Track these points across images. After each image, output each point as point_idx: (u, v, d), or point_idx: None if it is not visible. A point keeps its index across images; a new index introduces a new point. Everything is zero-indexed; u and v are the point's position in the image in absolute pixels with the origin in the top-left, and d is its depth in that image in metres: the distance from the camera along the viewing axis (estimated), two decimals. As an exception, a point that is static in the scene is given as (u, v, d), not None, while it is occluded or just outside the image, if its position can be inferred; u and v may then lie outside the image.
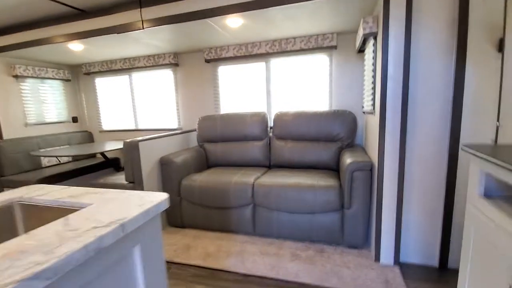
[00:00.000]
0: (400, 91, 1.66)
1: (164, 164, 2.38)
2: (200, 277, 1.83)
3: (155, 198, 0.85)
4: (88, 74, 3.54)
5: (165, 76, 3.32)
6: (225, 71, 3.10)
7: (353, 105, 2.70)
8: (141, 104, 3.48)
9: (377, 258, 1.86)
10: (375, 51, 1.90)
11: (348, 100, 2.70)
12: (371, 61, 1.98)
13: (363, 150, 2.33)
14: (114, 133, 3.66)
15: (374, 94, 1.93)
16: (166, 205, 0.87)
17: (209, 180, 2.29)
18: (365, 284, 1.65)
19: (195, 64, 3.19)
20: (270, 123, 2.95)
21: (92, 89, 3.67)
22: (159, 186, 2.42)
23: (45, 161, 3.13)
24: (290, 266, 1.87)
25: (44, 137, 3.19)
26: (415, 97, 1.70)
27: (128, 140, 2.23)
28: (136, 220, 0.74)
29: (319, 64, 2.76)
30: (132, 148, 2.21)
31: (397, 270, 1.78)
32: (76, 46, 2.64)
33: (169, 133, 2.61)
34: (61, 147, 3.31)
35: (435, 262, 1.84)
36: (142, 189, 2.23)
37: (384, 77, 1.67)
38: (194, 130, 3.01)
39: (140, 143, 2.21)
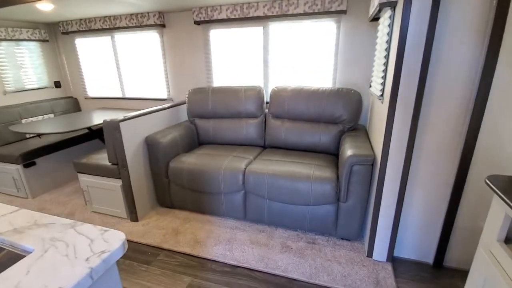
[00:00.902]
0: (416, 79, 1.39)
1: (150, 144, 2.22)
2: (188, 267, 1.79)
3: (108, 247, 0.70)
4: (66, 33, 3.16)
5: (151, 39, 2.96)
6: (217, 36, 2.74)
7: (360, 81, 2.42)
8: (127, 70, 3.18)
9: (370, 253, 1.80)
10: (391, 25, 1.58)
11: (355, 76, 2.41)
12: (385, 36, 1.67)
13: (366, 135, 2.13)
14: (100, 101, 3.42)
15: (385, 78, 1.67)
16: (123, 251, 0.72)
17: (198, 164, 2.15)
18: (355, 283, 1.61)
19: (184, 26, 2.81)
20: (267, 98, 2.70)
21: (73, 51, 3.33)
22: (145, 168, 2.29)
23: (28, 131, 2.96)
24: (280, 258, 1.82)
25: (24, 105, 2.97)
26: (432, 87, 1.45)
27: (108, 119, 2.02)
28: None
29: (324, 32, 2.40)
30: (112, 129, 2.02)
31: (389, 268, 1.73)
32: (44, 6, 2.28)
33: (155, 108, 2.39)
34: (44, 116, 3.12)
35: (429, 259, 1.78)
36: (127, 172, 2.10)
37: (399, 59, 1.39)
38: (184, 103, 2.77)
39: (121, 124, 2.01)
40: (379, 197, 1.66)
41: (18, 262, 0.65)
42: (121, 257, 1.89)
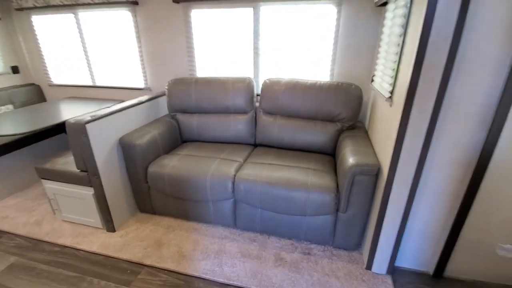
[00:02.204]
0: (438, 80, 1.17)
1: (125, 147, 1.94)
2: (173, 287, 1.62)
3: None
4: (21, 9, 2.69)
5: (122, 19, 2.57)
6: (200, 17, 2.39)
7: (361, 75, 2.19)
8: (96, 54, 2.78)
9: (369, 266, 1.68)
10: (408, 13, 1.34)
11: (355, 69, 2.18)
12: (398, 28, 1.44)
13: (366, 136, 1.95)
14: (68, 89, 3.02)
15: (395, 77, 1.46)
16: None
17: (181, 169, 1.91)
18: (355, 302, 1.50)
19: (160, 3, 2.42)
20: (257, 90, 2.44)
21: (30, 31, 2.86)
22: (121, 172, 2.02)
23: (-17, 126, 2.57)
24: (274, 273, 1.67)
25: (-26, 96, 2.56)
26: (453, 91, 1.25)
27: (71, 121, 1.72)
28: None
29: (323, 17, 2.13)
30: (78, 132, 1.72)
31: (389, 281, 1.62)
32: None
33: (131, 103, 2.08)
34: (1, 108, 2.71)
35: (430, 269, 1.69)
36: (99, 179, 1.84)
37: (420, 55, 1.16)
38: (163, 95, 2.47)
39: (88, 126, 1.71)
40: (383, 210, 1.51)
41: None
42: (96, 277, 1.69)
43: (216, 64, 2.50)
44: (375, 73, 1.97)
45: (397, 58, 1.43)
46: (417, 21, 1.19)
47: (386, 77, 1.60)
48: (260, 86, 2.33)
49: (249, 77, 2.25)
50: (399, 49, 1.41)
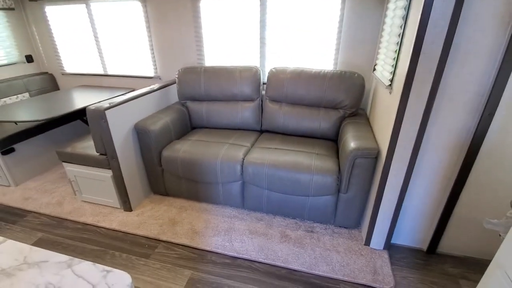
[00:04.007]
0: (433, 69, 1.27)
1: (140, 132, 2.07)
2: (187, 259, 1.78)
3: (113, 295, 0.63)
4: (34, 0, 2.77)
5: (133, 10, 2.65)
6: (208, 8, 2.47)
7: (363, 64, 2.28)
8: (107, 44, 2.87)
9: (368, 242, 1.83)
10: (408, 5, 1.43)
11: (358, 58, 2.26)
12: (399, 19, 1.53)
13: (368, 122, 2.06)
14: (80, 77, 3.13)
15: (395, 65, 1.56)
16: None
17: (193, 153, 2.04)
18: (353, 273, 1.65)
19: (170, -6, 2.50)
20: (264, 79, 2.53)
21: (44, 21, 2.95)
22: (137, 156, 2.16)
23: (2, 113, 2.71)
24: (280, 248, 1.82)
25: (-6, 84, 2.68)
26: (447, 79, 1.36)
27: (92, 107, 1.84)
28: None
29: (328, 7, 2.20)
30: (98, 118, 1.85)
31: (385, 256, 1.77)
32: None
33: (144, 91, 2.20)
34: (18, 96, 2.84)
35: (424, 245, 1.84)
36: (117, 162, 1.98)
37: (417, 45, 1.24)
38: (174, 83, 2.57)
39: (107, 112, 1.84)
40: (381, 190, 1.64)
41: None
42: (117, 251, 1.86)
43: (224, 53, 2.59)
44: (377, 62, 2.06)
45: (397, 48, 1.53)
46: (416, 14, 1.28)
47: (387, 66, 1.69)
48: (266, 74, 2.43)
49: (255, 66, 2.34)
50: (399, 40, 1.50)
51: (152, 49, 2.73)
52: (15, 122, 2.03)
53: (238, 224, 2.03)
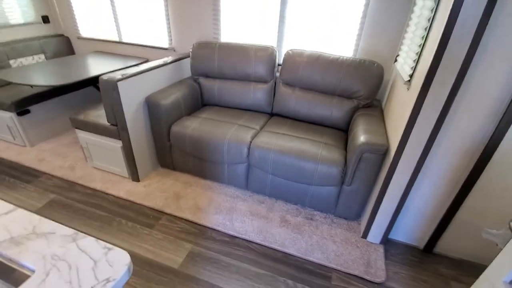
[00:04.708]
0: (457, 69, 1.19)
1: (151, 106, 2.08)
2: (189, 233, 1.86)
3: (114, 273, 0.67)
4: (50, -43, 2.70)
5: (152, -26, 2.55)
6: (228, -21, 2.35)
7: (384, 53, 2.16)
8: (123, 10, 2.81)
9: (365, 235, 1.85)
10: (438, -2, 1.33)
11: (380, 46, 2.15)
12: (428, 11, 1.42)
13: (381, 115, 2.00)
14: (95, 43, 3.11)
15: (418, 60, 1.48)
16: (128, 277, 0.70)
17: (202, 131, 2.05)
18: (347, 263, 1.69)
19: (190, -39, 2.38)
20: (279, 60, 2.46)
21: (60, -20, 2.89)
22: (146, 129, 2.19)
23: (19, 73, 2.75)
24: (278, 232, 1.88)
25: (11, 44, 2.69)
26: (469, 81, 1.29)
27: (105, 77, 1.85)
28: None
29: (353, -12, 2.06)
30: (110, 89, 1.86)
31: (381, 250, 1.80)
32: None
33: (157, 64, 2.18)
34: (34, 57, 2.86)
35: (421, 244, 1.85)
36: (127, 134, 2.01)
37: (443, 43, 1.18)
38: (187, 57, 2.53)
39: (119, 83, 1.84)
40: (385, 186, 1.63)
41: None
42: (124, 219, 1.95)
43: (241, 29, 2.50)
44: (400, 53, 1.96)
45: (422, 42, 1.44)
46: (445, 10, 1.19)
47: (409, 60, 1.61)
48: (283, 56, 2.35)
49: (272, 46, 2.27)
50: (425, 33, 1.41)
51: (168, 19, 2.66)
52: (31, 86, 2.06)
53: (240, 205, 2.08)
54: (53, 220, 1.88)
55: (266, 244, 1.80)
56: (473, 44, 1.13)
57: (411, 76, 1.53)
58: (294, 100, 2.24)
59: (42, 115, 2.64)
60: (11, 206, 0.85)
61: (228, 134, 2.02)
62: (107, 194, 2.15)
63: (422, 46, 1.43)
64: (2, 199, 2.03)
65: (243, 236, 1.84)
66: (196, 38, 2.68)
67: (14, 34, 2.82)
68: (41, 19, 3.00)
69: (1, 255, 0.72)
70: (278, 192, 2.06)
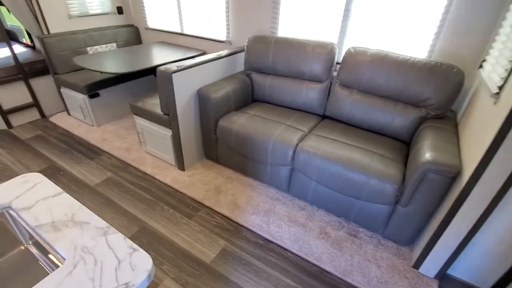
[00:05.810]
0: None
1: (201, 98, 2.10)
2: (224, 230, 1.85)
3: (134, 278, 0.65)
4: (128, -49, 2.89)
5: (216, -34, 2.55)
6: (292, -31, 2.22)
7: (467, 56, 1.81)
8: (187, 3, 2.88)
9: (417, 265, 1.62)
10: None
11: (462, 48, 1.81)
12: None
13: (455, 130, 1.70)
14: (160, 34, 3.28)
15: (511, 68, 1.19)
16: (147, 284, 0.67)
17: (248, 128, 2.01)
18: (392, 294, 1.50)
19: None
20: (339, 59, 2.26)
21: (135, -27, 3.09)
22: (195, 121, 2.23)
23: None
24: (315, 244, 1.75)
25: (89, 32, 2.99)
26: None
27: (161, 68, 1.91)
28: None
29: (437, -23, 1.76)
30: (165, 80, 1.92)
31: (435, 286, 1.55)
32: None
33: (211, 57, 2.18)
34: (107, 45, 3.13)
35: (484, 286, 1.55)
36: (177, 124, 2.07)
37: None
38: (242, 51, 2.50)
39: (173, 75, 1.89)
40: (450, 215, 1.38)
41: (49, 276, 0.64)
42: (166, 205, 2.03)
43: (300, 24, 2.36)
44: (487, 58, 1.62)
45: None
46: None
47: (499, 67, 1.31)
48: (343, 54, 2.16)
49: (332, 43, 2.09)
50: (531, 35, 1.12)
51: (227, 12, 2.65)
52: (100, 72, 2.26)
53: (279, 208, 2.00)
54: (106, 196, 2.06)
55: (301, 255, 1.69)
56: None
57: (500, 87, 1.24)
58: (350, 103, 2.04)
59: (109, 99, 2.90)
60: (59, 190, 0.90)
61: (275, 134, 1.93)
62: (154, 178, 2.26)
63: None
64: (69, 171, 2.30)
65: (278, 242, 1.76)
66: (253, 32, 2.62)
67: (92, 22, 3.12)
68: (116, 10, 3.27)
69: (41, 238, 0.76)
70: (320, 200, 1.92)
